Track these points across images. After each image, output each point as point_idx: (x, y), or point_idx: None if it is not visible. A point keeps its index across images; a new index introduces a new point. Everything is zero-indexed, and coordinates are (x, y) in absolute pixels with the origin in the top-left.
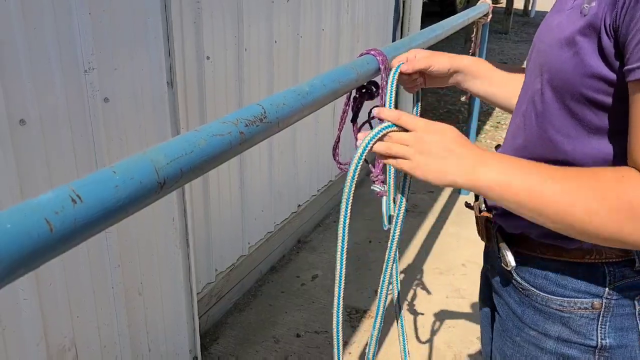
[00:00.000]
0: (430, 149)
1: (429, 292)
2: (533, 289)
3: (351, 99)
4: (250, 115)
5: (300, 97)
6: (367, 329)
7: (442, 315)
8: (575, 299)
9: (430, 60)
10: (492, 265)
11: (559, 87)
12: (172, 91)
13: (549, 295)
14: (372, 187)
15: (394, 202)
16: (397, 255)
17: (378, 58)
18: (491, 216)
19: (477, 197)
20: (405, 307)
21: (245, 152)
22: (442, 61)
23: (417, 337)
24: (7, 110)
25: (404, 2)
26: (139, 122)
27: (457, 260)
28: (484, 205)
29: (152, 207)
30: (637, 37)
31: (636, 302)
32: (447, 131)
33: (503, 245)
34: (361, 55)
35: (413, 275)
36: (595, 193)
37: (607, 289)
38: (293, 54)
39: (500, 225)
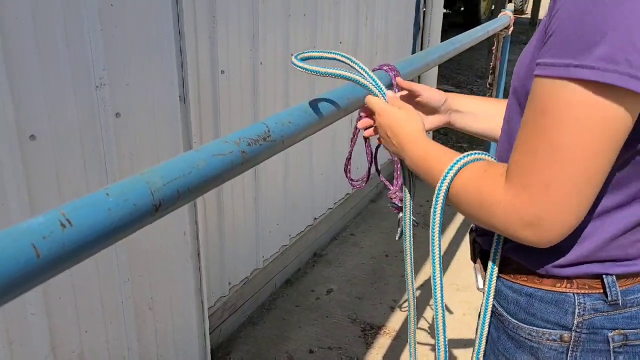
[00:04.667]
0: (382, 131)
1: (448, 309)
2: (506, 314)
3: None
4: (253, 134)
5: (307, 115)
6: (382, 346)
7: (459, 334)
8: (544, 329)
9: (424, 89)
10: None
11: (519, 97)
12: (185, 106)
13: (519, 323)
14: (389, 205)
15: (412, 218)
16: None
17: (391, 74)
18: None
19: None
20: (421, 324)
21: (260, 164)
22: (436, 93)
23: (434, 356)
24: (17, 126)
25: (424, 14)
26: (150, 137)
27: None
28: (473, 225)
29: (163, 220)
30: (548, 31)
31: (610, 339)
32: (389, 117)
33: (476, 266)
34: (374, 71)
35: (429, 291)
36: (468, 180)
37: (576, 321)
38: None
39: (482, 246)
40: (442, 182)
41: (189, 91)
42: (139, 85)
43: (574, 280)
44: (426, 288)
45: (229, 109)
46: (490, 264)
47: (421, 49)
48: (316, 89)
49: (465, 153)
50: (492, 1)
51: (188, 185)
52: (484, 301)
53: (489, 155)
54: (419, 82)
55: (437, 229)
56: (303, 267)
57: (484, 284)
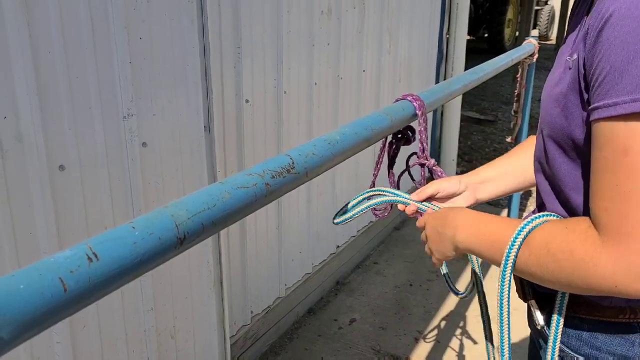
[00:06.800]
0: (430, 242)
1: (473, 342)
2: (568, 349)
3: (387, 144)
4: (277, 166)
5: (331, 146)
6: None
7: None
8: None
9: (437, 187)
10: (531, 324)
11: (558, 140)
12: (210, 135)
13: (583, 358)
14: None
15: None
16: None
17: (415, 104)
18: None
19: None
20: (445, 356)
21: None
22: (448, 183)
23: None
24: (47, 156)
25: (447, 42)
26: (176, 166)
27: None
28: None
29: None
30: (595, 75)
31: None
32: (430, 222)
33: (532, 302)
34: (397, 100)
35: (456, 322)
36: (549, 242)
37: None
38: (333, 95)
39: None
40: (510, 249)
41: (213, 121)
42: (165, 115)
43: (637, 310)
44: (452, 318)
45: (252, 137)
46: (557, 304)
47: (445, 76)
48: (339, 118)
49: (530, 216)
50: (516, 28)
51: (212, 218)
52: (551, 342)
53: (554, 215)
54: (442, 109)
55: (505, 299)
56: (326, 296)
57: (544, 322)
